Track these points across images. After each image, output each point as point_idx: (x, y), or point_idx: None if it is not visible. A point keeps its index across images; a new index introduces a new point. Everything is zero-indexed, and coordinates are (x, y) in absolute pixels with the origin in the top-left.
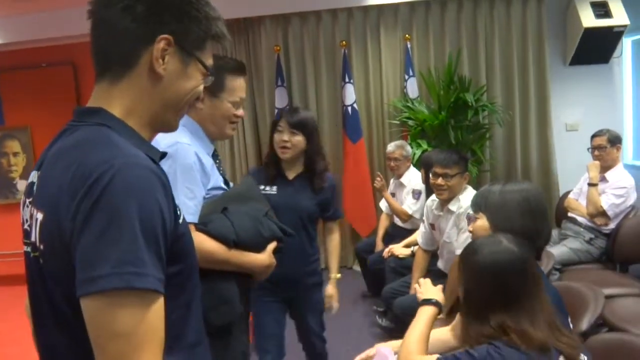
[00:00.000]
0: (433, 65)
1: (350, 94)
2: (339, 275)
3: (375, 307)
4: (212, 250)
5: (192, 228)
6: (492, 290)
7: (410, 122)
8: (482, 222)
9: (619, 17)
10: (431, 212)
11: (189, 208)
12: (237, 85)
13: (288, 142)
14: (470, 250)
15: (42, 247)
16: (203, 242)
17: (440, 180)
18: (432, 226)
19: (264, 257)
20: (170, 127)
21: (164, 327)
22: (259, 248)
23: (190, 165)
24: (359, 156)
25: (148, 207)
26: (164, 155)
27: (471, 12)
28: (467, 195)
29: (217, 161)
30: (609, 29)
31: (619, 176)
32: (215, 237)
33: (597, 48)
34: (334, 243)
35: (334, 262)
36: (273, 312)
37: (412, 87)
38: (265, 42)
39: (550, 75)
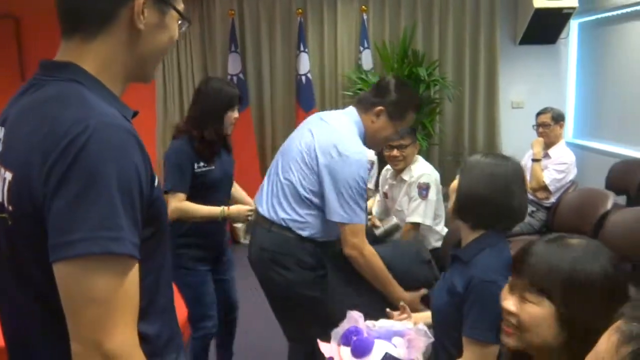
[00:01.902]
0: (388, 38)
1: (305, 63)
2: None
3: None
4: (382, 268)
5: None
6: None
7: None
8: (455, 182)
9: None
10: (386, 182)
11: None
12: (410, 120)
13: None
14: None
15: (10, 208)
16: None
17: (395, 152)
18: (385, 195)
19: (406, 296)
20: (147, 79)
21: (138, 292)
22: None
23: None
24: None
25: (125, 169)
26: (135, 113)
27: None
28: (419, 165)
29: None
30: (558, 10)
31: (561, 152)
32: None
33: (546, 29)
34: (238, 187)
35: (248, 198)
36: (209, 281)
37: (367, 59)
38: (220, 6)
39: (499, 54)
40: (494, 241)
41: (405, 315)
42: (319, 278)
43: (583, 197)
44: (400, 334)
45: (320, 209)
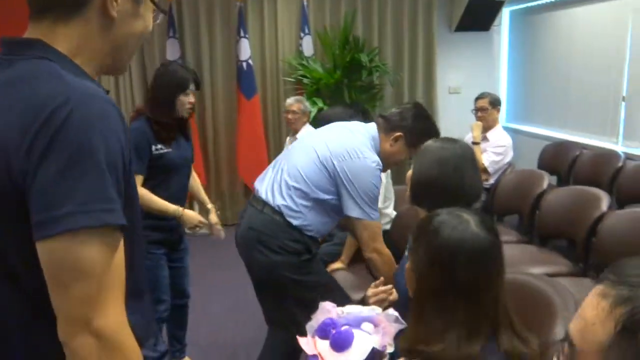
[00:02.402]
0: (328, 24)
1: (245, 49)
2: (212, 205)
3: None
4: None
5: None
6: (452, 281)
7: (306, 80)
8: (410, 172)
9: None
10: None
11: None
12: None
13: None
14: (429, 227)
15: None
16: None
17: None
18: None
19: None
20: (120, 70)
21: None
22: None
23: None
24: (253, 113)
25: (110, 141)
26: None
27: None
28: None
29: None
30: None
31: (498, 136)
32: None
33: (480, 16)
34: (198, 181)
35: (204, 196)
36: (164, 265)
37: (308, 45)
38: None
39: (436, 41)
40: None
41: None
42: (304, 262)
43: (520, 178)
44: (370, 320)
45: (318, 201)
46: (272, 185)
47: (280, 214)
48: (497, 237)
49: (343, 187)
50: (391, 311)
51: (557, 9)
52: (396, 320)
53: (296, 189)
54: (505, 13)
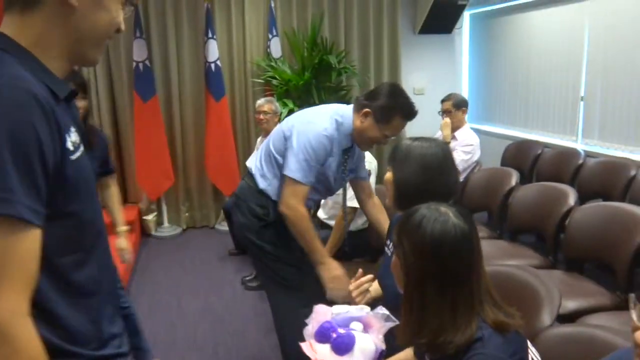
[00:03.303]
0: (296, 26)
1: (214, 51)
2: (125, 228)
3: (243, 277)
4: (309, 230)
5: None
6: (440, 270)
7: (275, 82)
8: (389, 174)
9: None
10: None
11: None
12: (398, 126)
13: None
14: (412, 223)
15: None
16: None
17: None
18: None
19: (328, 262)
20: (89, 62)
21: (57, 268)
22: None
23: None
24: (222, 115)
25: (20, 131)
26: (72, 92)
27: None
28: None
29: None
30: (454, 1)
31: (466, 135)
32: None
33: (443, 19)
34: (115, 198)
35: (119, 216)
36: None
37: (276, 47)
38: None
39: (401, 43)
40: None
41: (363, 296)
42: (262, 228)
43: (488, 175)
44: (359, 320)
45: (280, 167)
46: (255, 158)
47: (253, 178)
48: (473, 224)
49: (288, 147)
50: (381, 310)
51: (516, 12)
52: (387, 318)
53: (267, 155)
54: (467, 16)
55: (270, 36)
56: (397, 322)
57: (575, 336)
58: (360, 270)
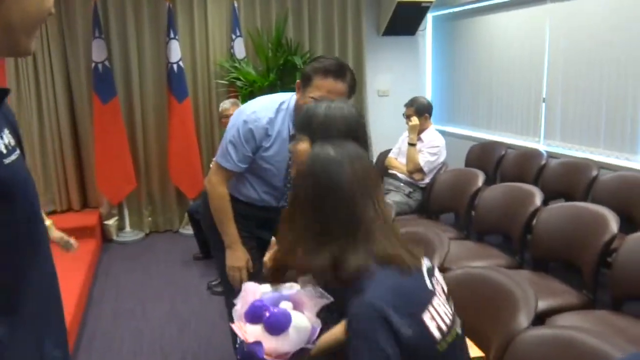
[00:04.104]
0: (259, 27)
1: (176, 51)
2: (49, 222)
3: (209, 281)
4: (224, 210)
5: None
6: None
7: (239, 83)
8: (305, 145)
9: None
10: None
11: None
12: (321, 86)
13: None
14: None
15: None
16: None
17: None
18: None
19: (235, 244)
20: (22, 51)
21: None
22: None
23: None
24: (185, 116)
25: None
26: (4, 91)
27: None
28: None
29: None
30: (418, 3)
31: (432, 136)
32: None
33: (407, 21)
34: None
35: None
36: None
37: (239, 48)
38: None
39: (365, 44)
40: None
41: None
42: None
43: (454, 177)
44: (288, 299)
45: None
46: None
47: None
48: (358, 159)
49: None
50: (311, 287)
51: (478, 14)
52: (321, 295)
53: None
54: (429, 18)
55: (233, 37)
56: (332, 299)
57: (554, 338)
58: (273, 239)
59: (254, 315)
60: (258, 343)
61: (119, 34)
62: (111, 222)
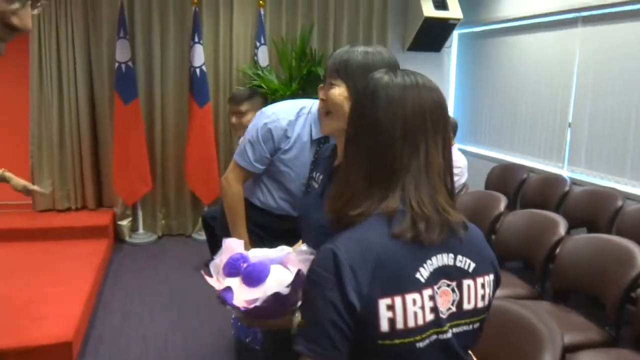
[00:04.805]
0: (284, 36)
1: (199, 55)
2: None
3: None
4: (236, 208)
5: None
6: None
7: (261, 91)
8: (342, 89)
9: (454, 10)
10: None
11: None
12: None
13: None
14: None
15: None
16: None
17: (234, 119)
18: None
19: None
20: None
21: None
22: None
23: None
24: (205, 121)
25: None
26: None
27: None
28: None
29: None
30: (445, 20)
31: (455, 157)
32: None
33: (433, 37)
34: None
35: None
36: None
37: (263, 56)
38: None
39: None
40: None
41: None
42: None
43: (476, 199)
44: (280, 262)
45: None
46: None
47: None
48: (428, 94)
49: None
50: (304, 247)
51: (505, 34)
52: (312, 254)
53: None
54: (455, 35)
55: (258, 44)
56: None
57: None
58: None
59: (232, 267)
60: (228, 289)
61: (144, 36)
62: (125, 222)
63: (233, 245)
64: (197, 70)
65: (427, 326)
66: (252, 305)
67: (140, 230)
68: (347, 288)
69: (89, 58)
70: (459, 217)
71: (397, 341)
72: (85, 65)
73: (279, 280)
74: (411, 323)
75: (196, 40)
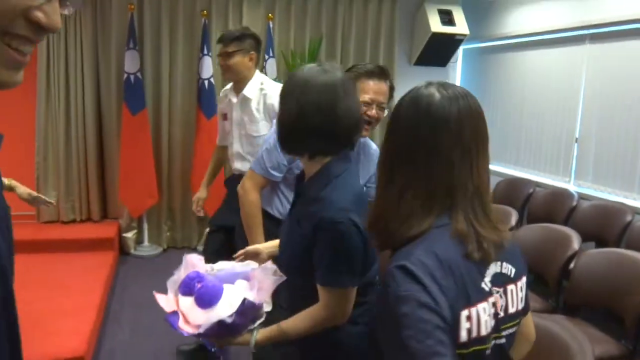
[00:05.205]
0: (292, 48)
1: (208, 67)
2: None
3: None
4: (254, 216)
5: None
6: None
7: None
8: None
9: (461, 26)
10: (225, 99)
11: None
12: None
13: None
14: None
15: None
16: None
17: (220, 61)
18: (224, 116)
19: (260, 249)
20: None
21: None
22: None
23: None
24: (213, 134)
25: None
26: None
27: (332, 2)
28: (256, 80)
29: None
30: (452, 36)
31: None
32: None
33: (439, 52)
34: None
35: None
36: None
37: (272, 68)
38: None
39: (397, 72)
40: (338, 169)
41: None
42: None
43: None
44: (245, 276)
45: None
46: None
47: None
48: (462, 108)
49: None
50: (269, 264)
51: (511, 50)
52: (274, 273)
53: None
54: (460, 50)
55: (266, 57)
56: (285, 278)
57: None
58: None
59: (187, 286)
60: (174, 313)
61: (153, 47)
62: (130, 234)
63: (193, 262)
64: (206, 82)
65: (491, 333)
66: (196, 332)
67: (146, 243)
68: (437, 299)
69: (97, 68)
70: (508, 233)
71: (471, 349)
72: (93, 75)
73: (231, 303)
74: (483, 331)
75: (205, 52)
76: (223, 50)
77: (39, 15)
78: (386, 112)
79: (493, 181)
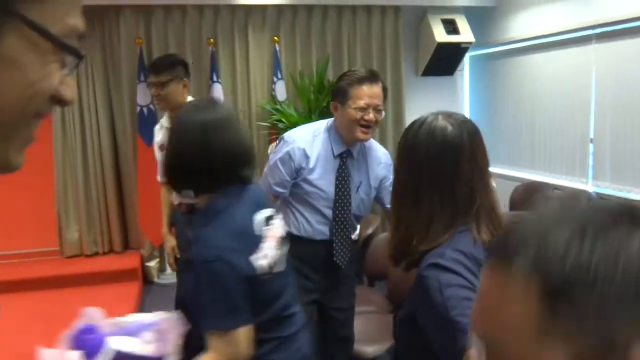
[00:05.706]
0: (299, 69)
1: (218, 94)
2: None
3: None
4: None
5: None
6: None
7: (281, 125)
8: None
9: (465, 34)
10: (161, 130)
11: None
12: (361, 93)
13: None
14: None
15: None
16: None
17: (154, 91)
18: (162, 147)
19: None
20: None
21: None
22: None
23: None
24: None
25: None
26: None
27: (335, 20)
28: None
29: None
30: (457, 44)
31: None
32: None
33: (446, 61)
34: None
35: None
36: None
37: (281, 90)
38: (125, 34)
39: (405, 84)
40: (221, 206)
41: None
42: None
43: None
44: (154, 327)
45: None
46: None
47: None
48: (471, 131)
49: None
50: (172, 314)
51: (518, 54)
52: (177, 322)
53: None
54: (466, 58)
55: (275, 79)
56: (189, 326)
57: None
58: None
59: (79, 339)
60: None
61: None
62: (152, 263)
63: (90, 315)
64: None
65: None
66: None
67: (168, 271)
68: (472, 281)
69: (110, 102)
70: None
71: None
72: (107, 109)
73: (105, 353)
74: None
75: (214, 79)
76: (156, 80)
77: (67, 91)
78: (383, 113)
79: (510, 186)
